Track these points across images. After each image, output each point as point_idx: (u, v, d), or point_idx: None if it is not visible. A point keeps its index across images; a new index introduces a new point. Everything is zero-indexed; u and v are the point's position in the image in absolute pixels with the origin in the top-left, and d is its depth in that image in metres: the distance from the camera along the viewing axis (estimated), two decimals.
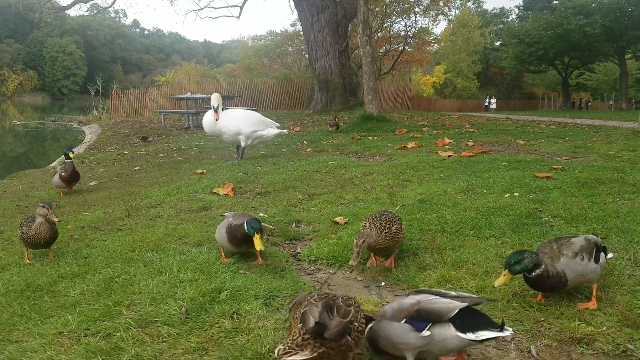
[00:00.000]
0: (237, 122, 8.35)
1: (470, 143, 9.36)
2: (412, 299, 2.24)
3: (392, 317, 2.23)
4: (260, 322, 2.61)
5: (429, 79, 57.42)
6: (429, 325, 2.13)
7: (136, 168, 9.03)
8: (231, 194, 5.87)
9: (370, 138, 11.10)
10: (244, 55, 50.58)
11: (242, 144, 8.60)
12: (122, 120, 23.12)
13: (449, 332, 2.11)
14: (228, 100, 20.02)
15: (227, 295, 2.91)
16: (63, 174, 6.47)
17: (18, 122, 30.33)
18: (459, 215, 4.31)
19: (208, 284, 3.04)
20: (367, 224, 3.38)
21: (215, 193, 5.88)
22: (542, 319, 2.64)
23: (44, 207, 3.74)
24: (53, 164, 11.61)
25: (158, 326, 2.59)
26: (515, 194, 4.90)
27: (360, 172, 6.59)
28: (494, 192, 5.04)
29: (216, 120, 8.10)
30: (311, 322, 1.97)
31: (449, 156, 7.61)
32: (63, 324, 2.62)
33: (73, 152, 6.80)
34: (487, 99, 51.20)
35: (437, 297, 2.22)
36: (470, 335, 2.08)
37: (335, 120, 13.91)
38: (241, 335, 2.49)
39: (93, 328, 2.57)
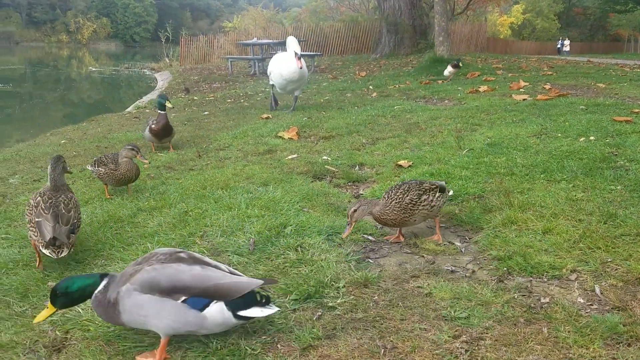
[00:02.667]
0: (305, 68, 7.94)
1: (547, 86, 8.87)
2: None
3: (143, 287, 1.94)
4: (322, 255, 2.71)
5: (506, 19, 53.87)
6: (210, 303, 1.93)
7: (205, 113, 9.30)
8: (295, 137, 5.96)
9: (440, 82, 10.75)
10: None
11: (299, 92, 8.18)
12: (191, 67, 23.65)
13: (222, 312, 1.95)
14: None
15: (291, 230, 3.03)
16: (154, 126, 5.60)
17: (94, 69, 31.84)
18: (529, 159, 4.18)
19: (274, 219, 3.18)
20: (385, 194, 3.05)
21: (280, 137, 5.98)
22: (609, 260, 2.57)
23: (132, 149, 3.93)
24: (129, 109, 12.17)
25: (229, 255, 2.77)
26: (591, 137, 4.66)
27: (427, 117, 6.46)
28: (569, 136, 4.83)
29: (300, 68, 7.43)
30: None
31: (524, 99, 7.29)
32: (143, 250, 2.85)
33: (170, 102, 5.83)
34: (560, 41, 47.25)
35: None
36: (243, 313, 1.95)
37: (456, 62, 11.62)
38: (305, 266, 2.61)
39: None
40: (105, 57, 50.06)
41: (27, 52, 55.06)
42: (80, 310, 2.30)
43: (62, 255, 2.64)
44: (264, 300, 2.01)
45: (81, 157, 5.82)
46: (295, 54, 7.45)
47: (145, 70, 28.41)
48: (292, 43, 7.52)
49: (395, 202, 2.88)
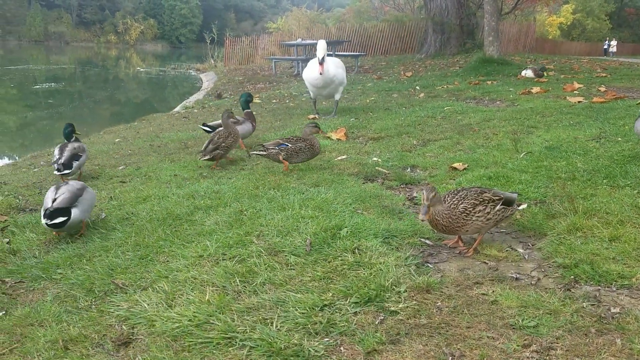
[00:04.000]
0: (342, 70, 7.59)
1: (603, 88, 8.55)
2: None
3: None
4: (381, 259, 2.68)
5: (555, 19, 52.23)
6: None
7: None
8: (344, 138, 5.94)
9: (490, 82, 10.51)
10: None
11: (339, 96, 7.77)
12: (235, 67, 24.00)
13: None
14: (337, 46, 19.83)
15: (347, 232, 3.01)
16: (254, 123, 5.98)
17: (141, 69, 32.76)
18: (591, 163, 4.03)
19: (328, 220, 3.16)
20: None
21: (328, 137, 5.97)
22: None
23: (315, 126, 4.64)
24: (176, 109, 12.44)
25: (285, 255, 2.77)
26: None
27: (480, 118, 6.31)
28: (630, 140, 4.64)
29: (320, 74, 7.11)
30: None
31: (579, 102, 7.04)
32: (202, 248, 2.89)
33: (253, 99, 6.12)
34: (606, 42, 45.11)
35: None
36: None
37: (540, 71, 11.18)
38: (364, 269, 2.58)
39: (229, 253, 2.81)
40: (152, 57, 51.44)
41: (77, 52, 57.21)
42: (146, 306, 2.34)
43: None
44: None
45: (136, 155, 5.97)
46: (318, 58, 7.15)
47: (190, 70, 29.03)
48: (319, 47, 7.24)
49: (448, 209, 2.75)
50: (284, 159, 4.49)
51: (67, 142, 4.81)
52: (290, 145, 4.50)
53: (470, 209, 2.75)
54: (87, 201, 3.33)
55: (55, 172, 4.48)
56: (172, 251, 2.94)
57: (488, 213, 2.77)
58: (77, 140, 4.93)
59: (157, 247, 3.02)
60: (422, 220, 2.80)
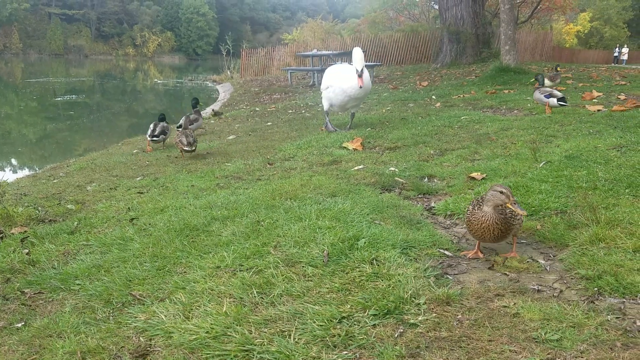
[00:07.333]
0: (370, 84, 7.10)
1: (622, 97, 8.42)
2: None
3: None
4: (400, 270, 2.64)
5: (572, 27, 51.78)
6: None
7: (268, 124, 9.45)
8: (360, 148, 5.92)
9: (507, 91, 10.43)
10: (369, 9, 49.60)
11: (356, 110, 7.52)
12: (251, 78, 24.21)
13: None
14: (350, 56, 19.90)
15: (365, 242, 2.97)
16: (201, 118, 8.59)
17: (159, 81, 33.21)
18: (612, 173, 3.94)
19: (346, 231, 3.13)
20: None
21: (344, 147, 5.96)
22: None
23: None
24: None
25: (303, 266, 2.75)
26: None
27: (497, 127, 6.25)
28: None
29: (360, 87, 6.68)
30: None
31: (599, 110, 6.94)
32: (220, 259, 2.88)
33: None
34: (617, 49, 43.78)
35: None
36: None
37: (552, 74, 10.84)
38: (382, 280, 2.55)
39: (246, 264, 2.80)
40: (169, 69, 52.18)
41: (96, 64, 58.30)
42: (164, 317, 2.34)
43: None
44: None
45: (153, 166, 6.03)
46: (357, 70, 6.66)
47: (207, 82, 29.36)
48: (356, 57, 6.71)
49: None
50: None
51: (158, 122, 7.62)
52: None
53: (512, 212, 2.75)
54: None
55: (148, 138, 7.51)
56: (190, 262, 2.94)
57: (517, 215, 2.78)
58: (198, 112, 8.38)
59: (175, 258, 3.02)
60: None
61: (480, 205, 2.83)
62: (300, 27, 63.09)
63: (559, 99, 7.11)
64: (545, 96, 7.21)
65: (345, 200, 3.84)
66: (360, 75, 6.64)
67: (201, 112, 8.73)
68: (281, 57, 26.94)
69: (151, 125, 7.58)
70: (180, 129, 7.11)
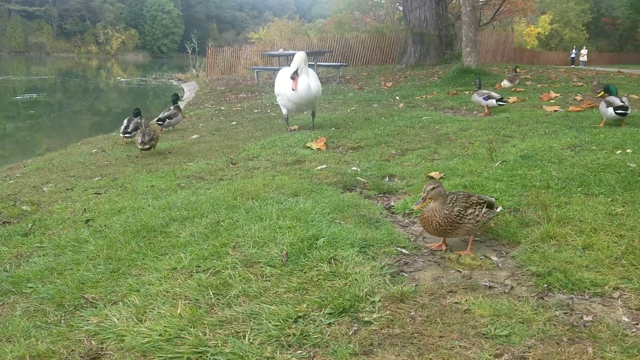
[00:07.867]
0: (319, 82, 7.06)
1: (579, 97, 8.71)
2: None
3: None
4: (357, 268, 2.67)
5: (533, 29, 53.23)
6: None
7: (233, 123, 9.38)
8: (324, 148, 5.94)
9: (467, 92, 10.64)
10: (335, 10, 49.84)
11: (317, 108, 7.55)
12: (217, 77, 23.97)
13: None
14: (318, 56, 19.93)
15: (324, 242, 3.00)
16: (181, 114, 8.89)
17: (122, 79, 32.53)
18: (565, 172, 4.08)
19: (305, 231, 3.15)
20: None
21: (308, 147, 5.98)
22: None
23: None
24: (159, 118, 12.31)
25: (261, 266, 2.75)
26: (628, 150, 4.54)
27: (457, 128, 6.38)
28: (604, 149, 4.72)
29: (293, 90, 6.64)
30: None
31: (555, 111, 7.17)
32: (176, 261, 2.85)
33: None
34: (574, 50, 43.32)
35: None
36: None
37: (512, 75, 11.43)
38: (339, 279, 2.57)
39: (203, 265, 2.78)
40: (133, 67, 51.11)
41: (58, 62, 56.62)
42: (116, 320, 2.30)
43: None
44: None
45: (113, 166, 5.91)
46: (291, 73, 6.60)
47: (172, 80, 28.91)
48: (295, 59, 6.61)
49: (445, 211, 2.89)
50: None
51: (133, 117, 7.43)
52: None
53: (463, 212, 2.88)
54: None
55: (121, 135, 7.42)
56: (145, 264, 2.89)
57: (477, 215, 2.91)
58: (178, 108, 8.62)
59: (130, 260, 2.97)
60: (413, 210, 2.97)
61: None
62: (267, 26, 62.85)
63: (497, 100, 7.40)
64: (483, 98, 7.51)
65: (306, 199, 3.85)
66: (292, 77, 6.58)
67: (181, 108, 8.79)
68: (248, 56, 26.76)
69: (125, 121, 7.40)
70: (142, 127, 6.78)
